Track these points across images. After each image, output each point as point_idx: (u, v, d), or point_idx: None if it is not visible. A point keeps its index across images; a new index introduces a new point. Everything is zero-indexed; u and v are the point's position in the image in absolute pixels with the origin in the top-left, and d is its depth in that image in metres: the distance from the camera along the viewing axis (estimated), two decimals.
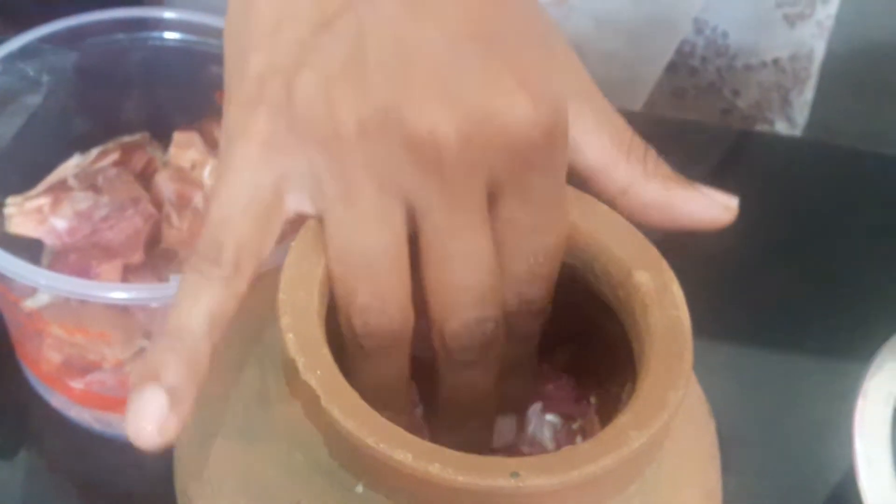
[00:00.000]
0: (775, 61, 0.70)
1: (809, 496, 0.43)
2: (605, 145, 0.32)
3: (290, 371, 0.28)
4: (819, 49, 0.72)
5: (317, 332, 0.28)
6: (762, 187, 0.58)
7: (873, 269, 0.54)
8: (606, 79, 0.66)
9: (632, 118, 0.33)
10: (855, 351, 0.42)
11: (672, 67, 0.70)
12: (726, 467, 0.32)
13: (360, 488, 0.27)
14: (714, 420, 0.33)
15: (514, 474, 0.25)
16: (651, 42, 0.66)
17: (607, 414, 0.34)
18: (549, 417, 0.37)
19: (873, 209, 0.59)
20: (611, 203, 0.32)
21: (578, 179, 0.32)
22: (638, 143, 0.32)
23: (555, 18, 0.66)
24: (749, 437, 0.45)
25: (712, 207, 0.32)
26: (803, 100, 0.74)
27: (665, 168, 0.32)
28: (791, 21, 0.69)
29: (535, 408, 0.36)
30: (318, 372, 0.27)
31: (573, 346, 0.37)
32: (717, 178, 0.33)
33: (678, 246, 0.32)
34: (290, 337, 0.27)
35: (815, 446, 0.44)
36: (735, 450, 0.38)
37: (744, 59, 0.70)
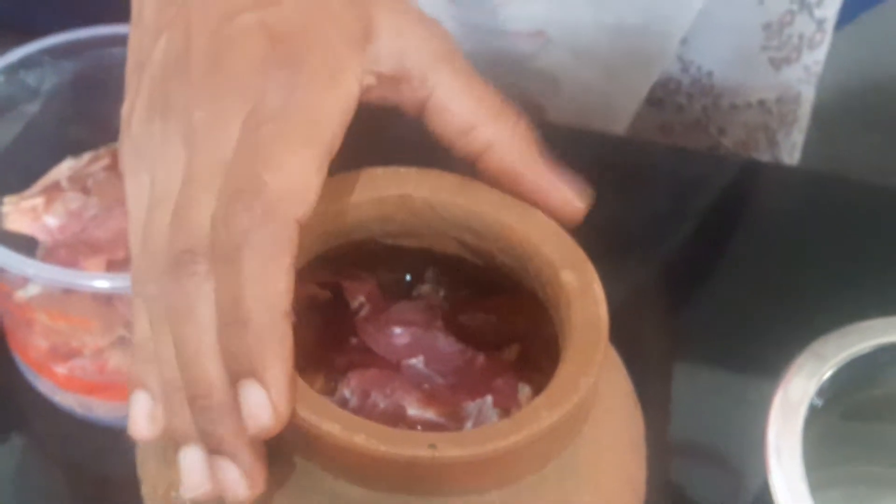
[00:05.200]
0: (761, 102, 0.71)
1: (735, 498, 0.45)
2: (470, 107, 0.33)
3: None
4: (807, 93, 0.72)
5: None
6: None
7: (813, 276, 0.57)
8: (584, 108, 0.69)
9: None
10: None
11: (658, 103, 0.71)
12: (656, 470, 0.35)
13: (296, 458, 0.30)
14: (642, 415, 0.36)
15: (432, 446, 0.28)
16: (627, 75, 0.67)
17: None
18: (497, 410, 0.39)
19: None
20: (474, 164, 0.33)
21: (447, 143, 0.33)
22: (510, 112, 0.33)
23: (532, 49, 0.68)
24: (682, 442, 0.47)
25: (557, 198, 0.34)
26: (791, 141, 0.74)
27: (532, 141, 0.34)
28: (777, 65, 0.69)
29: (487, 400, 0.39)
30: None
31: (518, 345, 0.40)
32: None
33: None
34: None
35: (740, 450, 0.46)
36: (671, 448, 0.40)
37: (729, 98, 0.71)
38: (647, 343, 0.53)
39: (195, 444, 0.29)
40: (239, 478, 0.29)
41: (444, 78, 0.33)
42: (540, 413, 0.29)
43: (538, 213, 0.34)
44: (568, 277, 0.33)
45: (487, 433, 0.29)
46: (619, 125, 0.70)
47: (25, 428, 0.47)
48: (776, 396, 0.36)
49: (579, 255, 0.34)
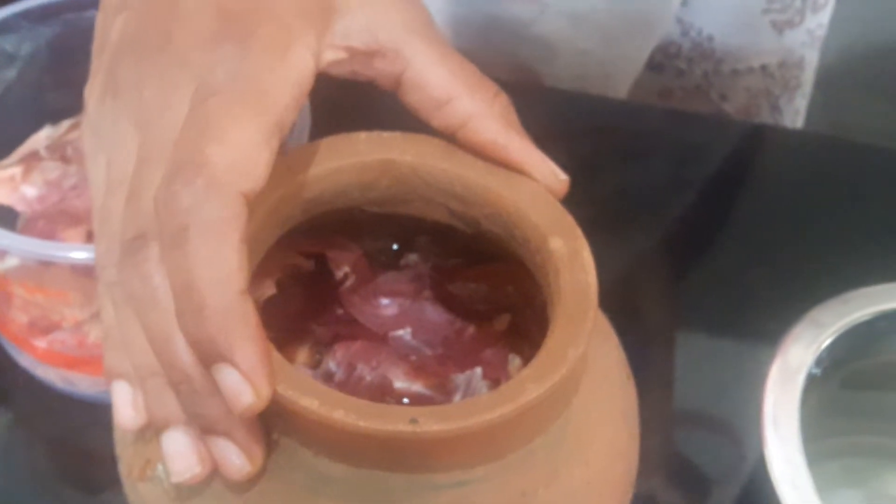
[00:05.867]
0: (763, 67, 0.70)
1: (733, 469, 0.45)
2: (446, 79, 0.32)
3: None
4: (811, 58, 0.71)
5: None
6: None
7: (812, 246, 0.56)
8: (582, 75, 0.68)
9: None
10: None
11: (658, 67, 0.70)
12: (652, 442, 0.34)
13: (275, 435, 0.29)
14: (634, 386, 0.35)
15: (413, 420, 0.27)
16: (626, 41, 0.66)
17: None
18: (486, 382, 0.38)
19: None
20: (452, 137, 0.33)
21: (423, 116, 0.33)
22: (488, 85, 0.33)
23: (528, 16, 0.67)
24: (679, 413, 0.46)
25: (544, 168, 0.33)
26: (794, 107, 0.73)
27: (512, 116, 0.33)
28: (779, 28, 0.68)
29: (476, 372, 0.38)
30: None
31: (509, 315, 0.39)
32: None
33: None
34: None
35: (738, 421, 0.45)
36: (664, 424, 0.39)
37: (730, 63, 0.69)
38: (644, 312, 0.52)
39: (177, 428, 0.28)
40: (238, 454, 0.28)
41: (419, 51, 0.32)
42: (526, 385, 0.28)
43: (525, 180, 0.33)
44: (556, 244, 0.32)
45: (471, 406, 0.28)
46: (618, 92, 0.69)
47: (8, 403, 0.47)
48: (774, 365, 0.35)
49: (567, 220, 0.32)
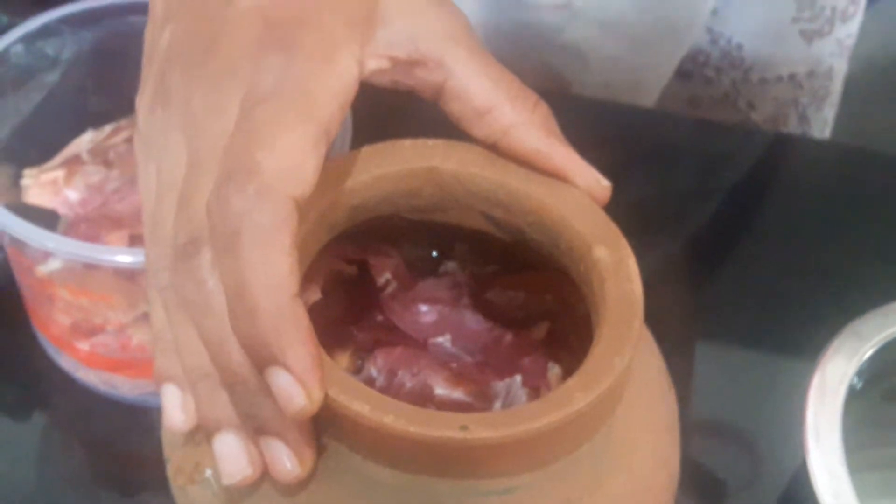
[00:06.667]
0: (791, 76, 0.70)
1: (769, 480, 0.44)
2: (488, 88, 0.32)
3: None
4: (840, 68, 0.71)
5: None
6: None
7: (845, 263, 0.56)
8: (611, 82, 0.68)
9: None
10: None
11: (686, 75, 0.70)
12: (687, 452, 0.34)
13: (324, 439, 0.29)
14: (675, 394, 0.35)
15: (463, 427, 0.27)
16: (655, 48, 0.66)
17: None
18: (526, 390, 0.38)
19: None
20: (493, 147, 0.33)
21: (465, 126, 0.33)
22: (528, 94, 0.33)
23: (558, 22, 0.67)
24: (718, 419, 0.46)
25: (588, 175, 0.33)
26: (822, 117, 0.73)
27: (553, 124, 0.33)
28: (808, 37, 0.68)
29: (516, 380, 0.38)
30: None
31: (548, 323, 0.39)
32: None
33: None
34: None
35: (780, 428, 0.45)
36: (703, 430, 0.39)
37: (759, 72, 0.70)
38: (677, 322, 0.52)
39: (229, 430, 0.29)
40: (289, 456, 0.28)
41: (460, 61, 0.32)
42: (574, 394, 0.28)
43: (569, 188, 0.34)
44: (601, 253, 0.32)
45: (520, 414, 0.28)
46: (648, 100, 0.69)
47: (47, 405, 0.47)
48: (814, 377, 0.35)
49: (612, 230, 0.33)
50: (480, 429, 0.27)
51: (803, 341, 0.42)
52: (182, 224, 0.29)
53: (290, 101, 0.29)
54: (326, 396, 0.28)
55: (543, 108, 0.33)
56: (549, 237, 0.34)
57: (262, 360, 0.27)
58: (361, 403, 0.28)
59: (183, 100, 0.30)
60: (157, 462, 0.34)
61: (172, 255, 0.29)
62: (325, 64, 0.30)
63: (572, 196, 0.33)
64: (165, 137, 0.31)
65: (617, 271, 0.31)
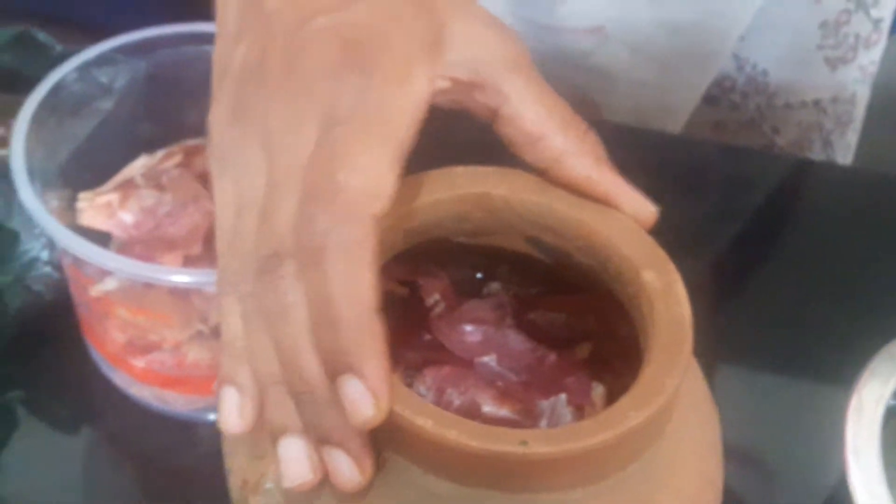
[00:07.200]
0: (816, 102, 0.71)
1: (806, 501, 0.45)
2: (542, 116, 0.34)
3: None
4: (863, 94, 0.72)
5: None
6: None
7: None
8: (640, 105, 0.69)
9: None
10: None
11: (713, 101, 0.71)
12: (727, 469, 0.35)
13: (386, 453, 0.30)
14: (718, 414, 0.36)
15: (523, 443, 0.29)
16: (684, 73, 0.68)
17: None
18: (570, 409, 0.40)
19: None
20: (544, 172, 0.34)
21: (517, 150, 0.34)
22: (579, 122, 0.34)
23: (589, 46, 0.68)
24: (751, 442, 0.47)
25: (637, 202, 0.34)
26: (845, 142, 0.74)
27: (601, 151, 0.34)
28: (832, 64, 0.69)
29: (561, 398, 0.39)
30: None
31: (590, 344, 0.40)
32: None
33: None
34: None
35: (812, 450, 0.46)
36: (737, 452, 0.40)
37: (784, 97, 0.71)
38: (711, 346, 0.53)
39: (294, 435, 0.30)
40: (350, 465, 0.29)
41: (517, 88, 0.34)
42: (628, 413, 0.30)
43: (617, 214, 0.35)
44: (649, 277, 0.33)
45: (577, 431, 0.29)
46: (676, 123, 0.70)
47: (101, 420, 0.48)
48: (852, 398, 0.36)
49: (660, 254, 0.34)
50: (539, 444, 0.29)
51: (833, 366, 0.43)
52: (264, 238, 0.30)
53: (369, 123, 0.30)
54: (392, 411, 0.29)
55: (592, 136, 0.35)
56: (598, 261, 0.35)
57: (338, 368, 0.28)
58: (425, 419, 0.29)
59: (261, 116, 0.31)
60: (207, 476, 0.35)
61: (254, 266, 0.30)
62: (401, 85, 0.31)
63: (620, 221, 0.35)
64: (243, 153, 0.32)
65: (666, 295, 0.33)
